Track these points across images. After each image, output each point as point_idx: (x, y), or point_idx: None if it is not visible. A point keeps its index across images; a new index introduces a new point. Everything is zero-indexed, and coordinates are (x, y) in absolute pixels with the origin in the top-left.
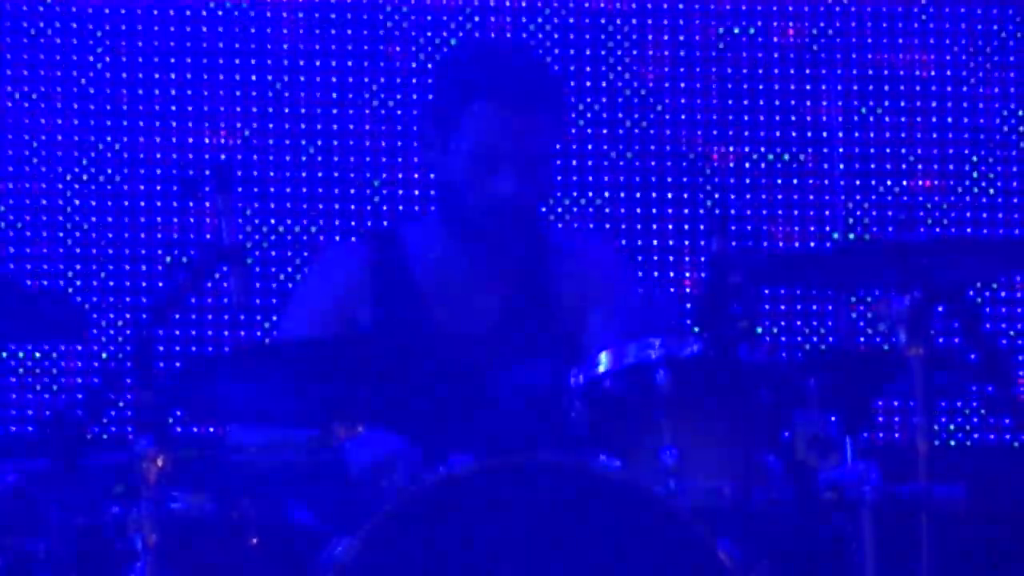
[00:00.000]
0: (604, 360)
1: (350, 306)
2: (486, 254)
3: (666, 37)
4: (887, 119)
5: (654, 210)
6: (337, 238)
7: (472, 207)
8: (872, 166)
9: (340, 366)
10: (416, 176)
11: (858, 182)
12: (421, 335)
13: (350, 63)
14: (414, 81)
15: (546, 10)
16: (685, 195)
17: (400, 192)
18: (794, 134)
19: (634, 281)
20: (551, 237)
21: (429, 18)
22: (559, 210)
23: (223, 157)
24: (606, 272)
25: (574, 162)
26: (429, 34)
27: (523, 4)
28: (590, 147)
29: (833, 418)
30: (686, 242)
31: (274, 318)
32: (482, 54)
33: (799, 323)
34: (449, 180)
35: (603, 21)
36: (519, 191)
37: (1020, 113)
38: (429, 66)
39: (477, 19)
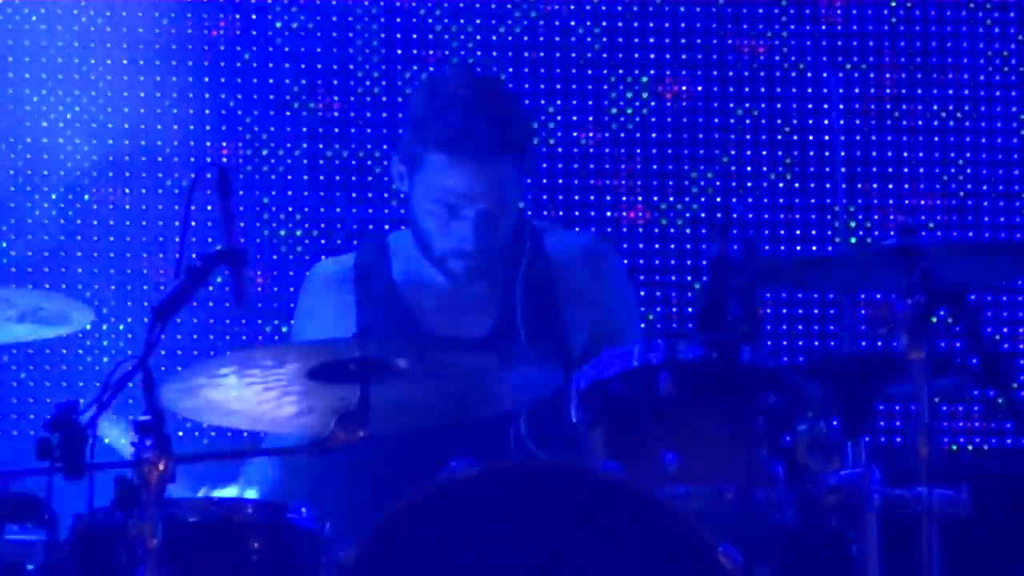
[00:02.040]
0: (606, 363)
1: (344, 321)
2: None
3: (667, 40)
4: (889, 122)
5: (656, 213)
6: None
7: (434, 251)
8: (874, 169)
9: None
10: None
11: (860, 186)
12: (425, 336)
13: (351, 66)
14: (415, 83)
15: (547, 8)
16: (687, 198)
17: (401, 195)
18: (796, 137)
19: (626, 284)
20: (547, 242)
21: (430, 21)
22: (561, 213)
23: (224, 160)
24: (605, 274)
25: (575, 165)
26: (430, 36)
27: (523, 2)
28: (592, 150)
29: (835, 421)
30: (688, 245)
31: (277, 320)
32: (440, 100)
33: (801, 327)
34: (413, 219)
35: (604, 23)
36: (479, 238)
37: (1023, 116)
38: (431, 68)
39: (478, 22)
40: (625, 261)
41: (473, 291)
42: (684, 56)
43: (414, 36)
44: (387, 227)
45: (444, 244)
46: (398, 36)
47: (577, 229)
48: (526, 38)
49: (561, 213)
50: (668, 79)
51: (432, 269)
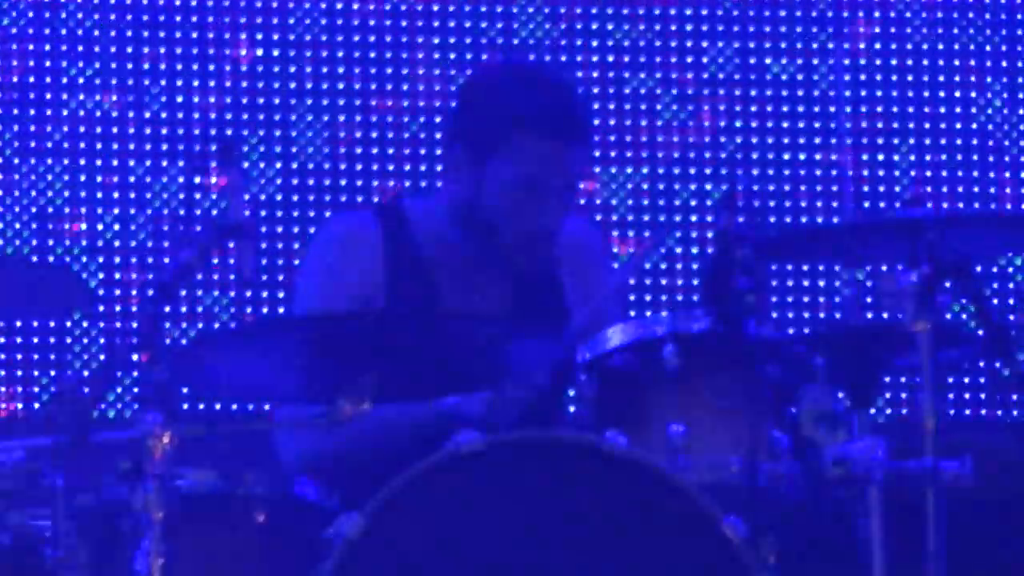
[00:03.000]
0: (611, 336)
1: (368, 283)
2: (501, 258)
3: (673, 11)
4: (895, 93)
5: (661, 185)
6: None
7: (505, 233)
8: (880, 141)
9: (348, 342)
10: (423, 152)
11: (866, 157)
12: (431, 311)
13: (357, 37)
14: (420, 56)
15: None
16: (692, 170)
17: (407, 168)
18: (802, 108)
19: (610, 271)
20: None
21: (436, 7)
22: None
23: (230, 132)
24: (593, 260)
25: None
26: (435, 8)
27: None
28: (597, 121)
29: (840, 394)
30: (693, 217)
31: (283, 294)
32: (523, 83)
33: (806, 299)
34: (480, 203)
35: (610, 11)
36: (557, 223)
37: None
38: (436, 41)
39: (483, 10)
40: (631, 233)
41: (489, 274)
42: (690, 28)
43: (420, 10)
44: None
45: (520, 226)
46: (404, 10)
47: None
48: (532, 27)
49: None
50: (675, 51)
51: (451, 247)
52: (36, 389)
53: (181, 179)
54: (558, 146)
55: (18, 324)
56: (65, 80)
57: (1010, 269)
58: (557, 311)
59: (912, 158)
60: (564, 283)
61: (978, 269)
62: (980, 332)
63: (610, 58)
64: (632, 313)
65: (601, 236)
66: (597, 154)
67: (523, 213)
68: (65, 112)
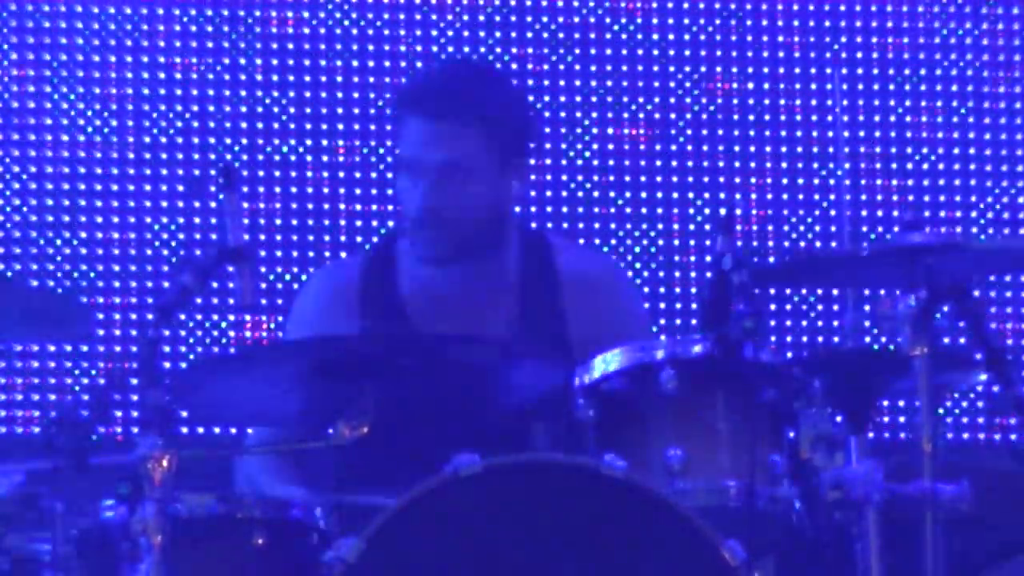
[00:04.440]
0: (609, 360)
1: (338, 327)
2: (459, 275)
3: (671, 36)
4: (892, 118)
5: (660, 210)
6: (338, 254)
7: (404, 221)
8: (878, 166)
9: (346, 366)
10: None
11: (864, 182)
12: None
13: (355, 63)
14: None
15: (553, 9)
16: (691, 195)
17: None
18: (799, 133)
19: (641, 315)
20: (559, 260)
21: (434, 17)
22: (564, 209)
23: (229, 157)
24: (619, 309)
25: (580, 162)
26: (435, 33)
27: (527, 4)
28: (596, 147)
29: (838, 417)
30: (692, 242)
31: (282, 318)
32: (422, 71)
33: (804, 323)
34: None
35: (608, 20)
36: (438, 202)
37: None
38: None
39: (481, 18)
40: (629, 258)
41: (479, 301)
42: (688, 53)
43: (419, 34)
44: (384, 231)
45: (408, 212)
46: (403, 35)
47: (592, 245)
48: (530, 35)
49: (565, 210)
50: (673, 76)
51: (440, 276)
52: (35, 412)
53: (181, 203)
54: (429, 123)
55: (17, 347)
56: (65, 105)
57: (1008, 293)
58: (552, 348)
59: (910, 182)
60: (572, 320)
61: (976, 293)
62: (978, 356)
63: (609, 83)
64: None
65: (609, 264)
66: (596, 178)
67: (410, 195)
68: (64, 136)
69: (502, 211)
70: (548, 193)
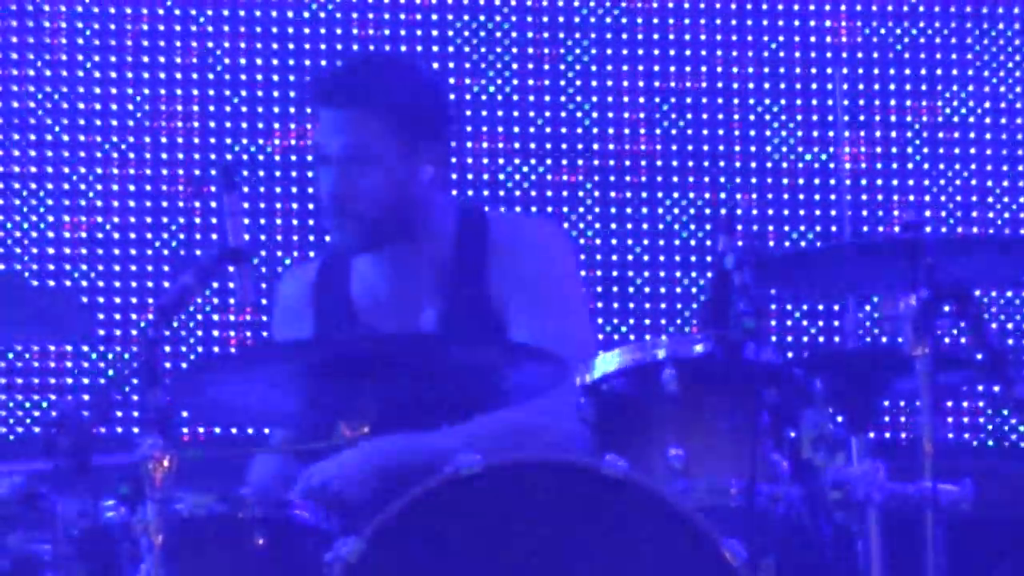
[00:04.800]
0: (610, 359)
1: (302, 329)
2: (390, 267)
3: (672, 36)
4: (893, 118)
5: (660, 210)
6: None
7: (318, 210)
8: (878, 165)
9: (348, 366)
10: None
11: (864, 181)
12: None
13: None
14: None
15: (553, 9)
16: (691, 194)
17: None
18: (800, 133)
19: (565, 276)
20: (491, 233)
21: (435, 16)
22: (565, 209)
23: (228, 157)
24: (537, 270)
25: (580, 161)
26: (435, 33)
27: (528, 4)
28: (596, 146)
29: (839, 417)
30: (692, 242)
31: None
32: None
33: (805, 322)
34: None
35: (609, 20)
36: (345, 190)
37: None
38: (435, 66)
39: (482, 18)
40: (630, 257)
41: (412, 292)
42: (688, 52)
43: (419, 34)
44: None
45: (319, 199)
46: (404, 35)
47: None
48: (531, 34)
49: (566, 209)
50: (672, 75)
51: (377, 272)
52: (36, 413)
53: (181, 203)
54: (333, 111)
55: (18, 348)
56: (65, 105)
57: (1009, 293)
58: (482, 320)
59: (911, 182)
60: (497, 285)
61: (977, 293)
62: (979, 356)
63: (609, 82)
64: (632, 337)
65: (536, 225)
66: (596, 178)
67: (321, 185)
68: (65, 137)
69: (416, 196)
70: (549, 193)
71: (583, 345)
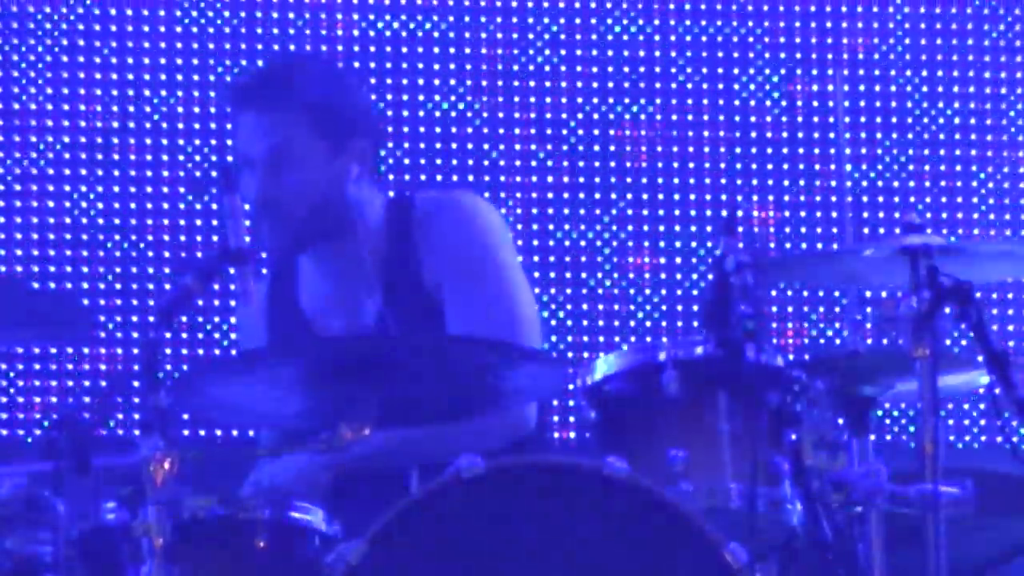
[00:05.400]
0: (611, 361)
1: (258, 336)
2: (327, 268)
3: (672, 37)
4: (893, 119)
5: (661, 211)
6: None
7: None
8: (880, 167)
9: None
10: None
11: (865, 183)
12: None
13: (357, 64)
14: (420, 82)
15: (554, 9)
16: (692, 195)
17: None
18: (800, 134)
19: (493, 245)
20: (416, 214)
21: (435, 18)
22: (566, 211)
23: (228, 157)
24: (466, 240)
25: (581, 163)
26: (420, 34)
27: (529, 4)
28: (597, 147)
29: (840, 419)
30: (693, 242)
31: None
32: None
33: (806, 324)
34: None
35: (610, 21)
36: (270, 191)
37: None
38: (436, 67)
39: (483, 19)
40: (630, 259)
41: (350, 291)
42: (690, 53)
43: (421, 36)
44: None
45: (248, 203)
46: (404, 37)
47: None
48: (531, 35)
49: (566, 211)
50: (672, 75)
51: (318, 276)
52: (37, 415)
53: (182, 205)
54: (251, 114)
55: (19, 350)
56: (65, 105)
57: (1009, 295)
58: (426, 313)
59: (912, 184)
60: (423, 264)
61: (978, 295)
62: (980, 358)
63: (610, 84)
64: (632, 339)
65: (458, 197)
66: (597, 180)
67: (246, 189)
68: (66, 138)
69: (344, 194)
70: (549, 195)
71: (523, 317)
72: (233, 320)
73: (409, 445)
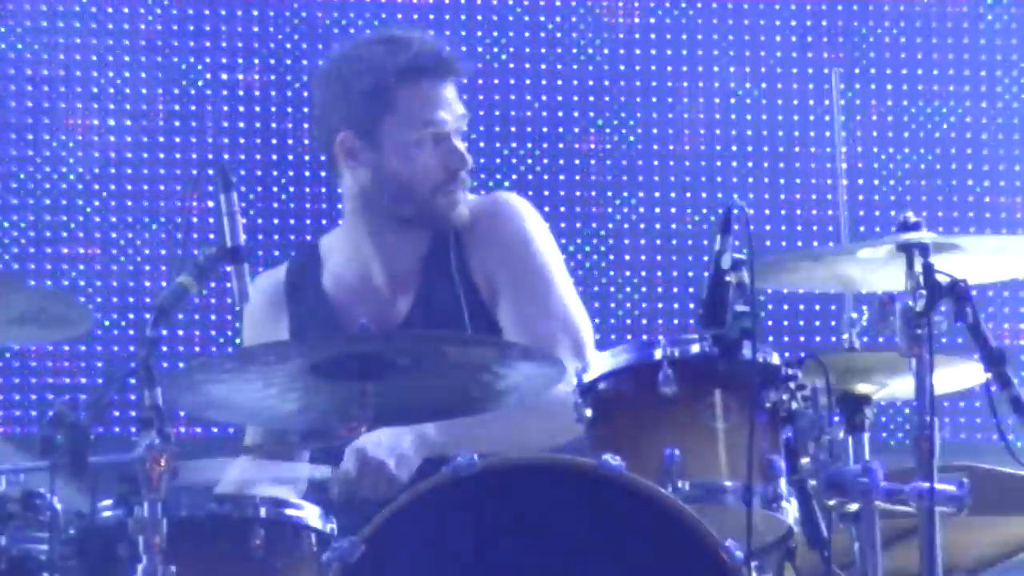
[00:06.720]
0: (607, 359)
1: (278, 332)
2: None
3: (669, 36)
4: (890, 117)
5: (659, 209)
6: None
7: (420, 192)
8: (875, 164)
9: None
10: None
11: (861, 181)
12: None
13: None
14: None
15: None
16: (689, 194)
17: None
18: (797, 133)
19: (540, 267)
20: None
21: (432, 16)
22: (562, 209)
23: (227, 157)
24: (511, 240)
25: (577, 161)
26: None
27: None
28: (594, 146)
29: (836, 417)
30: (690, 241)
31: None
32: (382, 45)
33: (802, 322)
34: (383, 181)
35: (607, 20)
36: (464, 160)
37: None
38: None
39: (479, 17)
40: (627, 257)
41: (386, 278)
42: (685, 52)
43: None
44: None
45: (435, 176)
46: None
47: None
48: (528, 34)
49: (562, 209)
50: (672, 74)
51: (359, 264)
52: (33, 412)
53: (178, 203)
54: (439, 86)
55: (16, 347)
56: (63, 105)
57: (1006, 293)
58: (464, 315)
59: (907, 182)
60: (471, 266)
61: (974, 293)
62: (976, 355)
63: (606, 82)
64: (629, 337)
65: (499, 198)
66: (594, 178)
67: (434, 163)
68: (63, 137)
69: None
70: (546, 193)
71: (579, 314)
72: (230, 318)
73: (483, 432)
